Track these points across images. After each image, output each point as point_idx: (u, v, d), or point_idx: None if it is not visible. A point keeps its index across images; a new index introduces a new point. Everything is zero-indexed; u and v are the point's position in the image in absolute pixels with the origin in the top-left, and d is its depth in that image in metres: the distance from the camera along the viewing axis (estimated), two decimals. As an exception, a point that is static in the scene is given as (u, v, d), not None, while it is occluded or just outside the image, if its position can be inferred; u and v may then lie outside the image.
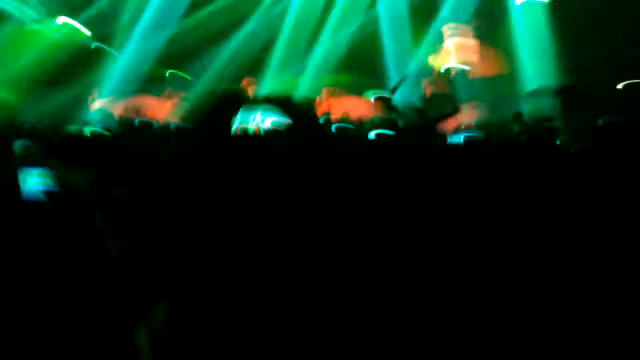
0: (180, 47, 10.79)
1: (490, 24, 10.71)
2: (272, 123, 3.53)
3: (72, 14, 10.74)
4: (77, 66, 10.18)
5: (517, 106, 7.15)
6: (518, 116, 6.78)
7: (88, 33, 10.71)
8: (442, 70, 10.68)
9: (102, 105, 10.02)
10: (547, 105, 6.58)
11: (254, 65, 11.08)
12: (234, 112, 3.17)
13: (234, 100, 3.23)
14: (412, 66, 10.84)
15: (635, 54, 9.16)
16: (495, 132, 6.14)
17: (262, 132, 3.55)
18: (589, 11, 9.64)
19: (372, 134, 5.84)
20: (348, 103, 10.43)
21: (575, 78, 9.17)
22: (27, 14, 10.54)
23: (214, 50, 11.00)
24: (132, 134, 6.09)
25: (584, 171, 4.37)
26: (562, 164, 4.63)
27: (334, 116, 8.93)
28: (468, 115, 9.13)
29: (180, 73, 11.23)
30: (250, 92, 11.06)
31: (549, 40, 10.11)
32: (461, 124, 8.12)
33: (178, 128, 6.14)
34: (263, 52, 11.09)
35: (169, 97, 10.93)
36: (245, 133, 3.43)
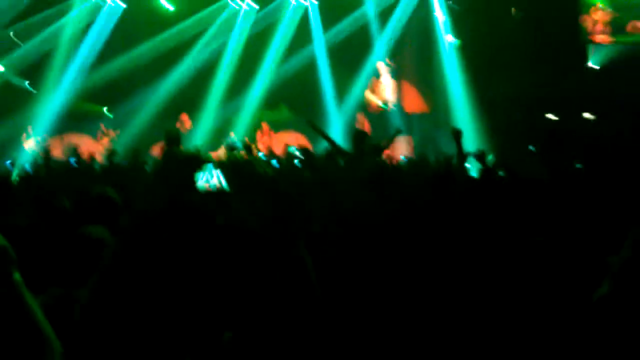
0: (113, 83, 10.71)
1: (422, 62, 11.07)
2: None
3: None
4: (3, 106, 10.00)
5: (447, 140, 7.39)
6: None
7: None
8: (378, 105, 10.97)
9: (34, 144, 9.84)
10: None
11: (190, 101, 11.10)
12: (194, 173, 3.23)
13: (192, 161, 3.29)
14: (349, 101, 11.07)
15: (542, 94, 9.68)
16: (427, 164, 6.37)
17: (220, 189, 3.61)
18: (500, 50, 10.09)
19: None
20: (286, 138, 10.59)
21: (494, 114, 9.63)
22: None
23: (149, 86, 10.95)
24: (70, 174, 6.02)
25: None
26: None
27: (274, 151, 9.04)
28: (402, 148, 9.41)
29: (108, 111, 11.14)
30: (187, 128, 11.07)
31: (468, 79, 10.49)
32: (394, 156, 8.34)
33: (115, 167, 6.09)
34: (199, 89, 11.11)
35: (104, 134, 10.85)
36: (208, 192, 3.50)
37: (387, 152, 7.50)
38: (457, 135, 5.75)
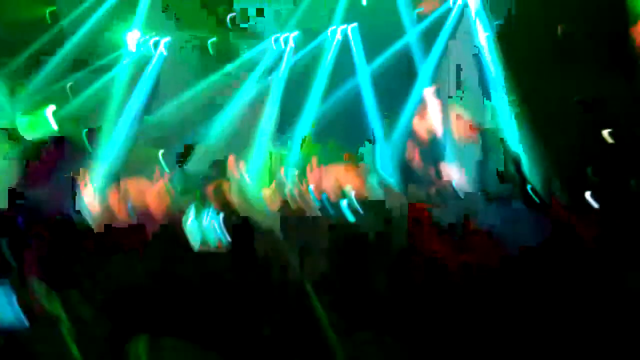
0: (167, 127, 10.98)
1: (469, 87, 10.99)
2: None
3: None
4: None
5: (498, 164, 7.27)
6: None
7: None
8: (427, 134, 10.89)
9: (94, 191, 10.07)
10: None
11: (239, 141, 11.26)
12: None
13: None
14: (398, 129, 11.04)
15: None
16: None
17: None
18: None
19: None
20: (335, 171, 10.59)
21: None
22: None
23: (200, 128, 11.18)
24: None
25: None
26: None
27: (324, 185, 9.05)
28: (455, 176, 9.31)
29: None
30: (236, 168, 11.19)
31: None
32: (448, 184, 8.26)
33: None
34: (248, 128, 11.28)
35: (160, 178, 11.01)
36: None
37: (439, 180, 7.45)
38: (517, 163, 5.65)
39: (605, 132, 9.61)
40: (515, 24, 10.47)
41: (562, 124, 9.45)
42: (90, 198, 9.62)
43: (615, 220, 4.68)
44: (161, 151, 11.46)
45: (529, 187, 5.89)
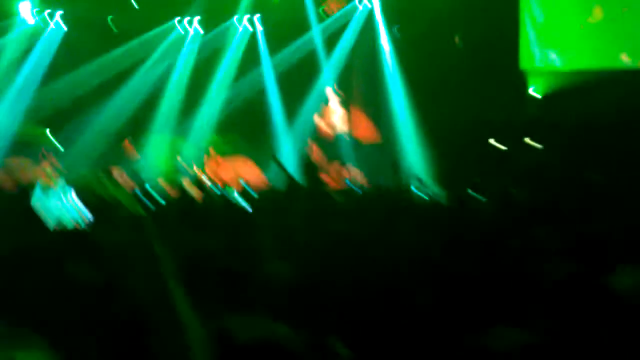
0: (56, 106, 10.50)
1: (369, 89, 11.23)
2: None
3: None
4: None
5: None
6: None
7: None
8: (328, 131, 11.04)
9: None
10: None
11: (136, 124, 10.96)
12: None
13: None
14: (299, 127, 11.12)
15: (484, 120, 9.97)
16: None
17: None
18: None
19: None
20: (234, 164, 10.54)
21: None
22: None
23: (93, 108, 10.77)
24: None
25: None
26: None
27: (221, 177, 9.00)
28: (352, 175, 9.51)
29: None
30: (132, 152, 10.89)
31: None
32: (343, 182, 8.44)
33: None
34: (145, 112, 11.00)
35: (45, 158, 10.49)
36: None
37: (330, 177, 7.58)
38: (394, 163, 5.90)
39: (492, 140, 10.19)
40: (414, 33, 10.82)
41: (454, 129, 9.90)
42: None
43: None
44: (47, 130, 10.95)
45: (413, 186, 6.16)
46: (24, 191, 3.77)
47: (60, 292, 2.93)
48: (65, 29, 11.00)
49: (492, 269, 3.34)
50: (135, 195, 6.03)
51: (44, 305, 2.80)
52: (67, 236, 3.43)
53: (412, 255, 3.61)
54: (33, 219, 3.56)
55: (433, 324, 2.85)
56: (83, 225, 3.47)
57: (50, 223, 3.44)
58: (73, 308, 2.80)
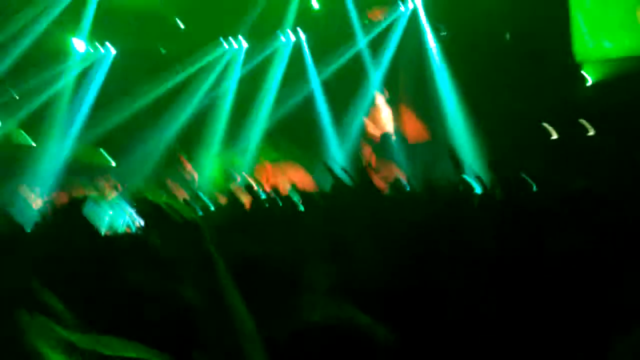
0: (114, 131, 10.83)
1: (418, 89, 11.13)
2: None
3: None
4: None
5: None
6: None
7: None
8: (376, 136, 10.99)
9: (39, 202, 9.81)
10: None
11: (189, 140, 11.20)
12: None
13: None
14: (350, 133, 11.12)
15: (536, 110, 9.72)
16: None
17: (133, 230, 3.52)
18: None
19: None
20: (284, 170, 10.62)
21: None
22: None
23: (148, 127, 11.06)
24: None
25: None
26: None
27: (271, 183, 9.04)
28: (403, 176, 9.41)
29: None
30: (187, 167, 11.10)
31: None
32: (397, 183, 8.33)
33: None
34: (197, 127, 11.24)
35: (109, 186, 10.73)
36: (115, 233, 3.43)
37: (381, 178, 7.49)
38: (453, 156, 5.72)
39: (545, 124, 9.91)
40: (461, 30, 10.69)
41: (506, 127, 9.69)
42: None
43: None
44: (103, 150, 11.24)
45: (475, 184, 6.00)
46: (76, 203, 3.83)
47: (115, 296, 2.96)
48: (114, 52, 11.31)
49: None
50: (188, 203, 6.12)
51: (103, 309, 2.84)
52: (119, 240, 3.47)
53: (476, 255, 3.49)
54: (85, 226, 3.62)
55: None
56: (134, 230, 3.48)
57: (102, 229, 3.48)
58: (129, 311, 2.83)
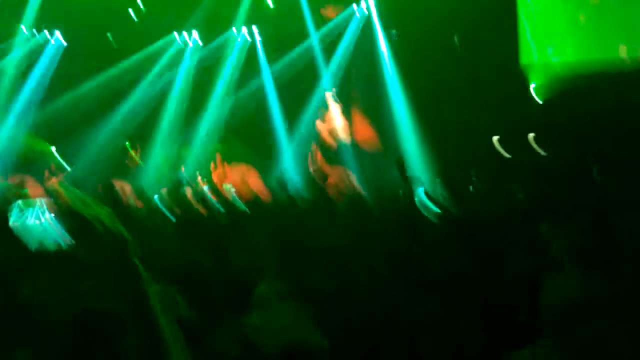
0: (59, 121, 10.59)
1: (369, 93, 11.24)
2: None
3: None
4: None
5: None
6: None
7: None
8: (329, 140, 11.05)
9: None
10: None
11: (139, 137, 11.04)
12: None
13: None
14: (300, 132, 11.15)
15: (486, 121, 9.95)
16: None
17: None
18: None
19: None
20: (238, 171, 10.56)
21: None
22: None
23: (97, 122, 10.85)
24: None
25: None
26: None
27: (227, 183, 8.99)
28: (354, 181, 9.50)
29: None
30: (136, 164, 10.95)
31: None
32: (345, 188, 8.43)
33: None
34: (148, 124, 11.08)
35: (51, 175, 10.54)
36: None
37: (331, 182, 7.56)
38: (400, 165, 5.81)
39: (495, 139, 10.16)
40: (412, 34, 10.82)
41: (453, 129, 9.89)
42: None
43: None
44: (53, 147, 11.02)
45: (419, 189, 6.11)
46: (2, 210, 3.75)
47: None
48: (65, 44, 11.06)
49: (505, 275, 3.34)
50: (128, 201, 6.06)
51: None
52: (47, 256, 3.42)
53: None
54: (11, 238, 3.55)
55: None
56: (64, 246, 3.43)
57: (31, 244, 3.43)
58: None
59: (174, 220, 5.99)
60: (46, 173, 10.45)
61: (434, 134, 10.17)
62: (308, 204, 5.93)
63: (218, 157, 10.97)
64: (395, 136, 10.74)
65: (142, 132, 11.04)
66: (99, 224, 1.90)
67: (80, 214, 1.90)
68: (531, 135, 9.92)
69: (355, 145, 10.96)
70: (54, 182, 10.05)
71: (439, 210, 5.44)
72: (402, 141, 10.63)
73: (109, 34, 11.16)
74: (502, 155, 9.92)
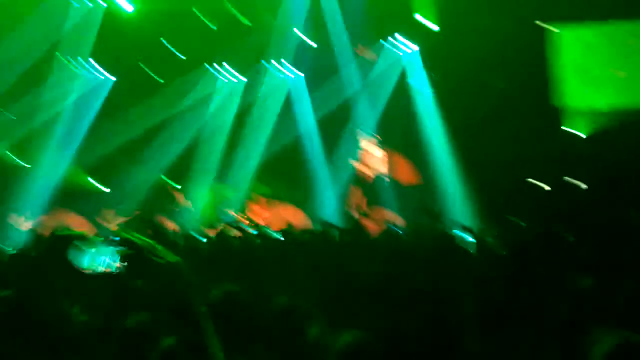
0: (105, 157, 10.83)
1: (408, 133, 11.25)
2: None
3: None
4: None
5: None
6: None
7: None
8: (367, 178, 11.05)
9: (27, 224, 9.71)
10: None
11: (180, 172, 11.21)
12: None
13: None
14: (342, 175, 11.16)
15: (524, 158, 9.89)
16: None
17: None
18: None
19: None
20: (281, 211, 10.62)
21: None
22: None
23: (138, 157, 11.06)
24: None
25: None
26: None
27: (264, 223, 9.05)
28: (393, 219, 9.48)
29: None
30: (181, 204, 11.08)
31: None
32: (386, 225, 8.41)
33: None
34: (188, 159, 11.25)
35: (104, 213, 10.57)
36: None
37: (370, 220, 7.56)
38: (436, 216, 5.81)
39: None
40: (451, 79, 10.87)
41: (495, 169, 9.84)
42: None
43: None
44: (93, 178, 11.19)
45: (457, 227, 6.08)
46: (60, 238, 3.83)
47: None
48: (114, 79, 11.36)
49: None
50: (176, 241, 6.13)
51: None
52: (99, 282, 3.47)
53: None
54: (67, 265, 3.61)
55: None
56: (115, 272, 3.48)
57: (84, 269, 3.49)
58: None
59: (217, 258, 6.05)
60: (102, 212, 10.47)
61: (472, 172, 10.14)
62: (349, 243, 5.94)
63: (260, 198, 11.05)
64: (435, 174, 10.70)
65: (184, 168, 11.19)
66: (155, 255, 1.94)
67: (137, 244, 1.95)
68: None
69: (394, 183, 10.96)
70: (108, 218, 10.15)
71: (478, 248, 5.41)
72: (441, 179, 10.58)
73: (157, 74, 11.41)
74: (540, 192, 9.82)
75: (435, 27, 11.01)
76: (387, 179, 10.97)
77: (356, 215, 7.34)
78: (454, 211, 9.28)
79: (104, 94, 11.26)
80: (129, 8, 10.87)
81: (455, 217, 7.48)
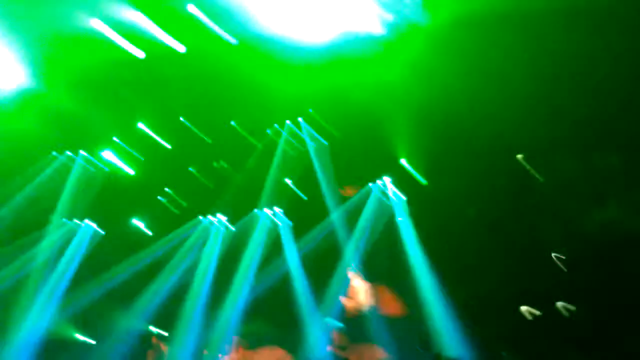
0: (85, 304, 10.72)
1: (393, 266, 11.30)
2: None
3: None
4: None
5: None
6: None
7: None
8: (355, 310, 10.95)
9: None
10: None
11: (164, 319, 11.03)
12: None
13: None
14: (327, 310, 11.05)
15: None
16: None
17: None
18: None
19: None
20: (264, 355, 10.38)
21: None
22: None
23: (123, 307, 10.94)
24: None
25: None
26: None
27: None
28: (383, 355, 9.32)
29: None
30: (161, 349, 10.83)
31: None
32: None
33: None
34: (173, 306, 11.12)
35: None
36: None
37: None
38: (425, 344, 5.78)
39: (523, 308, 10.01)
40: (426, 202, 11.09)
41: (476, 300, 9.81)
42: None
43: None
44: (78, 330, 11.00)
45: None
46: None
47: None
48: (103, 232, 11.42)
49: None
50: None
51: None
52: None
53: None
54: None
55: None
56: None
57: None
58: None
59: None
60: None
61: (459, 304, 10.08)
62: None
63: (242, 341, 10.84)
64: (422, 307, 10.62)
65: (168, 315, 11.03)
66: None
67: None
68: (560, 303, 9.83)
69: (381, 317, 10.83)
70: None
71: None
72: (428, 312, 10.49)
73: (133, 221, 11.54)
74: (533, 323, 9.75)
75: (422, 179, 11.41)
76: (375, 314, 10.87)
77: (341, 355, 7.18)
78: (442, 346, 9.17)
79: (84, 244, 11.33)
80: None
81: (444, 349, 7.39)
